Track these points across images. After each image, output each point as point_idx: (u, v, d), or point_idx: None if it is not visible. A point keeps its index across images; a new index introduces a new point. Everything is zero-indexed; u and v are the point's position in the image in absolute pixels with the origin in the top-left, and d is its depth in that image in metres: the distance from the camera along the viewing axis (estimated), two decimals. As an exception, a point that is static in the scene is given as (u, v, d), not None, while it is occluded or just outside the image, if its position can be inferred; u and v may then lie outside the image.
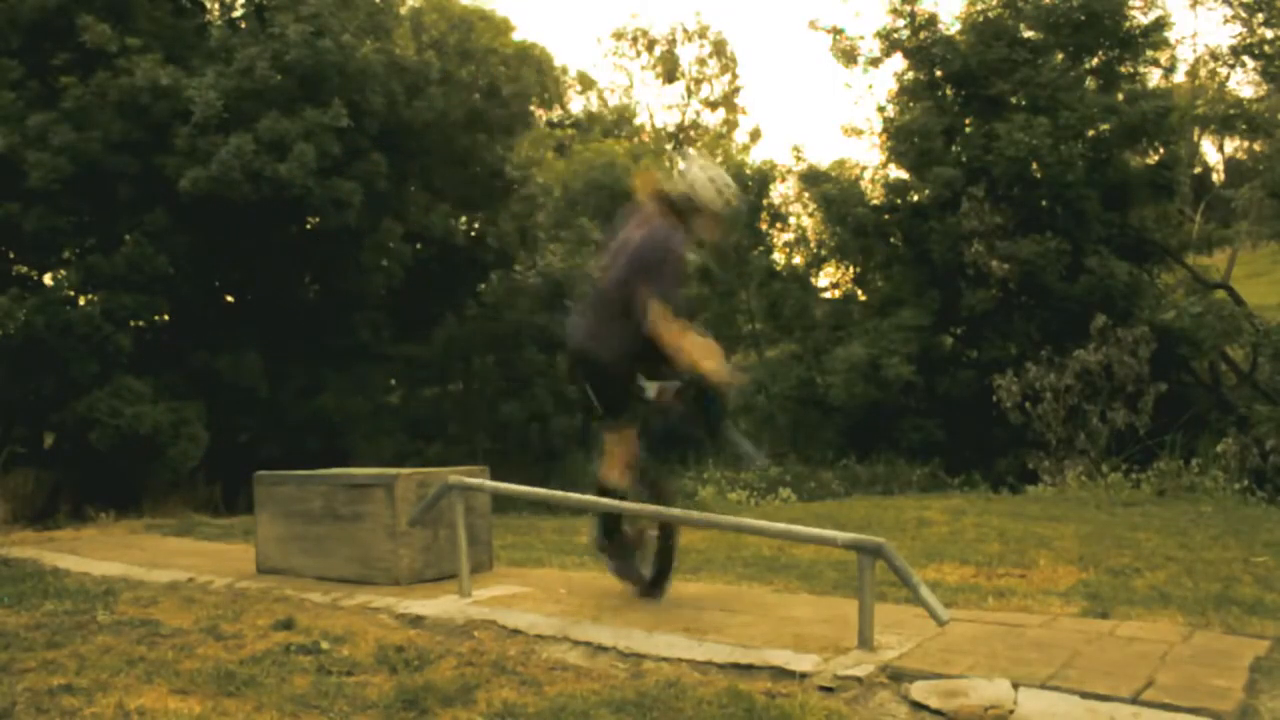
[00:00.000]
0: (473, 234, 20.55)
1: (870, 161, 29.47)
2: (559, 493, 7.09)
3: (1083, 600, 5.48)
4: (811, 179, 19.90)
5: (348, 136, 15.77)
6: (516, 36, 21.35)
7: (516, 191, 20.39)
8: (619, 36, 38.09)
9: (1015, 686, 3.39)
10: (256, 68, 14.91)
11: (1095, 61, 17.93)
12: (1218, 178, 32.38)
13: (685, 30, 37.99)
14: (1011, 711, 3.25)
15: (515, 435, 19.46)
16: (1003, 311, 16.94)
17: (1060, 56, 17.58)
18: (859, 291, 21.16)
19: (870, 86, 21.18)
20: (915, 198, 18.71)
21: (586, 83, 37.06)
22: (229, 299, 18.65)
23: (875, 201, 19.23)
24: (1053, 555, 7.04)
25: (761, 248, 21.36)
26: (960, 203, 16.82)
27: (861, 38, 19.45)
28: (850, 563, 5.49)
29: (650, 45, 37.92)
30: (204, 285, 17.05)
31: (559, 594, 5.75)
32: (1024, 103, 17.25)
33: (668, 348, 4.40)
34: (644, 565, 5.15)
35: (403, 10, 18.90)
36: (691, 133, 38.18)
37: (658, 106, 42.21)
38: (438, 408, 20.46)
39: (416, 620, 5.27)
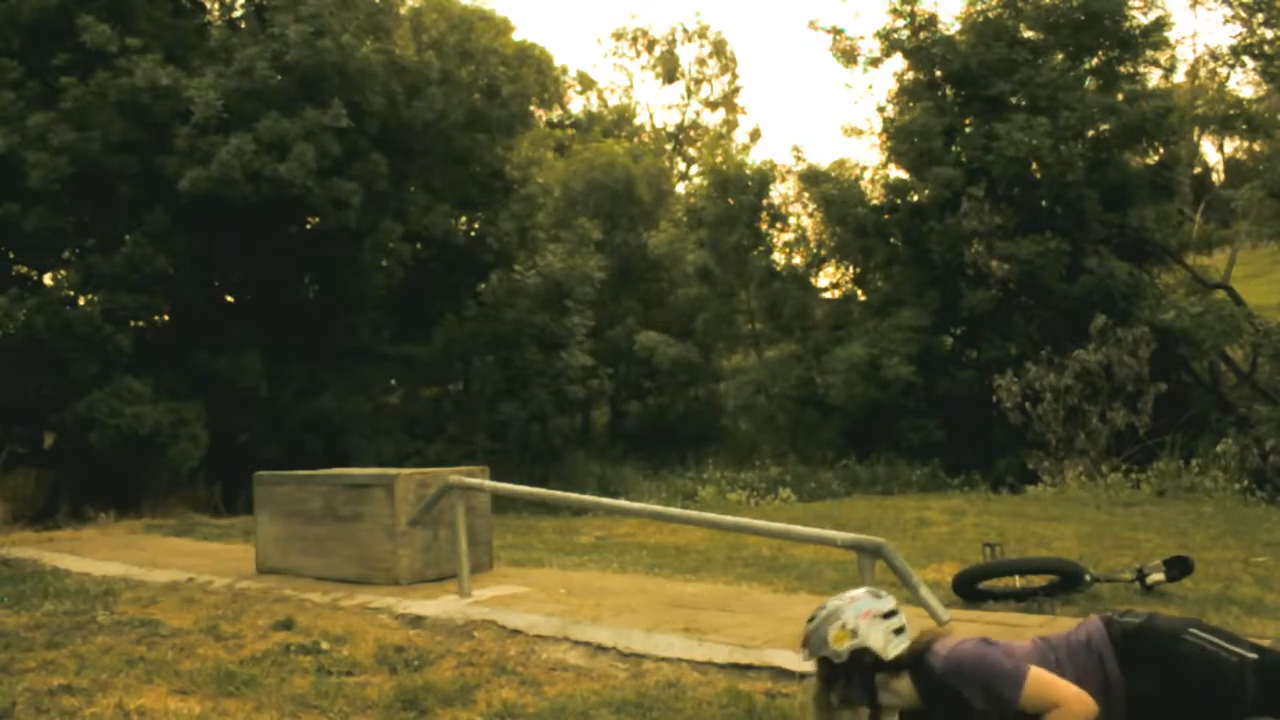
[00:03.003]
0: (472, 234, 20.53)
1: (870, 161, 29.51)
2: (559, 493, 7.11)
3: (1083, 599, 5.50)
4: (811, 179, 19.86)
5: (348, 136, 15.77)
6: (516, 36, 21.38)
7: (516, 191, 20.37)
8: (619, 36, 37.97)
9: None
10: (256, 68, 14.91)
11: (1095, 61, 17.90)
12: (1218, 178, 32.36)
13: (685, 30, 37.87)
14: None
15: (515, 435, 19.43)
16: (1003, 311, 16.92)
17: (1060, 56, 17.56)
18: (859, 291, 21.11)
19: (870, 86, 21.13)
20: (915, 198, 18.69)
21: (586, 83, 37.00)
22: (229, 299, 18.64)
23: (875, 201, 19.21)
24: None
25: (761, 248, 21.30)
26: (960, 203, 16.80)
27: (861, 38, 19.46)
28: (850, 563, 5.49)
29: (650, 45, 37.81)
30: (204, 285, 17.04)
31: (559, 594, 5.75)
32: (1024, 103, 17.23)
33: None
34: None
35: (403, 10, 18.88)
36: (691, 133, 38.11)
37: (658, 106, 42.22)
38: (437, 408, 20.43)
39: (416, 620, 5.28)
